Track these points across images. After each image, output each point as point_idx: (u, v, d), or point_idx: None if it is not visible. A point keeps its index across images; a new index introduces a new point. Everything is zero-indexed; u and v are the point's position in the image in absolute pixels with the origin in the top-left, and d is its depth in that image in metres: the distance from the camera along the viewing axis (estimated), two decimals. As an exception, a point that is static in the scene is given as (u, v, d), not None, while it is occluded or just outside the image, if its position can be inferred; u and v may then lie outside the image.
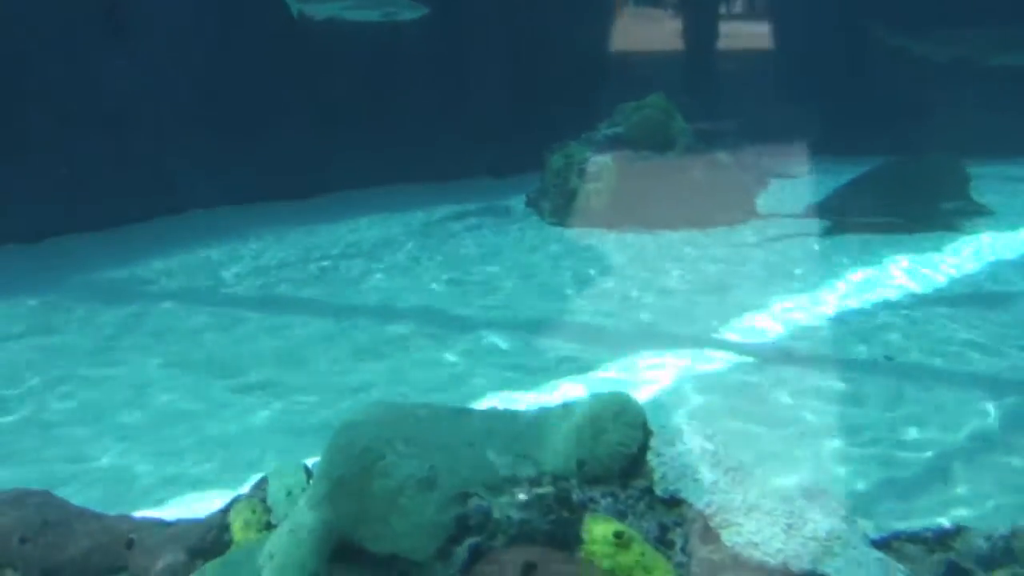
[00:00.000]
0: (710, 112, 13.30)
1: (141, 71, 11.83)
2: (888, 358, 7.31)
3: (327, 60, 13.00)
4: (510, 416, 3.56)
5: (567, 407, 3.56)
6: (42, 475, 5.69)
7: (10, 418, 6.63)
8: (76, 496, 4.75)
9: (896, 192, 11.37)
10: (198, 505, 5.08)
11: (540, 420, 3.50)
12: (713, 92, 14.79)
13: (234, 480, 5.32)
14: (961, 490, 5.40)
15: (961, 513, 5.09)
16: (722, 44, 15.59)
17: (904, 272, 9.49)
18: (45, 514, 3.83)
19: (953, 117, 13.40)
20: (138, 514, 4.12)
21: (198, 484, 5.60)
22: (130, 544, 3.76)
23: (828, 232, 10.87)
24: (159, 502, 5.33)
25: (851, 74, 14.91)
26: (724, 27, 15.76)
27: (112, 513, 4.00)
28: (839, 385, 6.82)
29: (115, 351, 7.86)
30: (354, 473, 3.18)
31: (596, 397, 3.60)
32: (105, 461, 5.99)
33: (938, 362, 7.30)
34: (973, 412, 6.39)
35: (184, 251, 10.78)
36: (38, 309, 8.89)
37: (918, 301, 8.67)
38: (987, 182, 12.38)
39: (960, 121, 13.31)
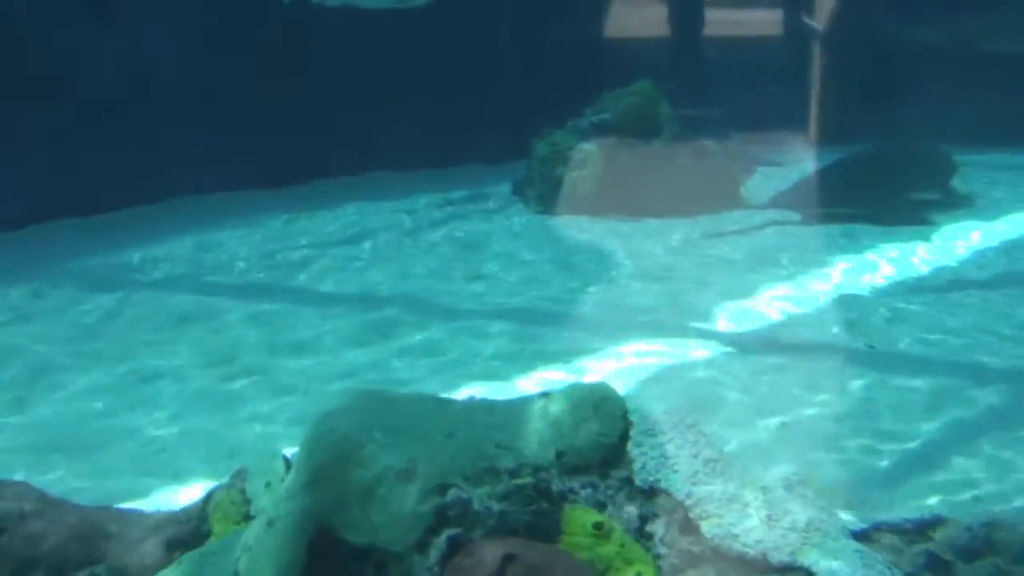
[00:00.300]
0: (697, 99, 13.28)
1: (132, 56, 11.77)
2: (870, 347, 7.32)
3: (321, 47, 12.95)
4: (489, 406, 3.55)
5: (546, 397, 3.55)
6: (21, 464, 5.66)
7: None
8: (56, 485, 4.74)
9: (865, 182, 11.21)
10: (178, 495, 5.07)
11: (519, 410, 3.49)
12: (701, 79, 14.77)
13: (214, 470, 5.31)
14: (942, 480, 5.40)
15: (942, 504, 5.09)
16: (710, 30, 15.53)
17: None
18: (22, 505, 3.80)
19: (947, 104, 13.36)
20: (117, 505, 4.10)
21: (179, 474, 5.56)
22: (109, 536, 3.74)
23: (797, 223, 10.79)
24: (139, 493, 5.29)
25: (843, 59, 14.89)
26: (712, 13, 15.68)
27: (91, 504, 3.98)
28: (818, 373, 6.83)
29: (100, 339, 7.80)
30: (332, 462, 3.17)
31: (576, 387, 3.59)
32: (86, 450, 5.94)
33: (910, 349, 7.34)
34: (937, 401, 6.43)
35: (175, 238, 10.70)
36: (22, 297, 8.83)
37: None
38: (977, 171, 12.37)
39: (955, 108, 13.26)
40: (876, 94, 14.12)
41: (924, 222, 10.73)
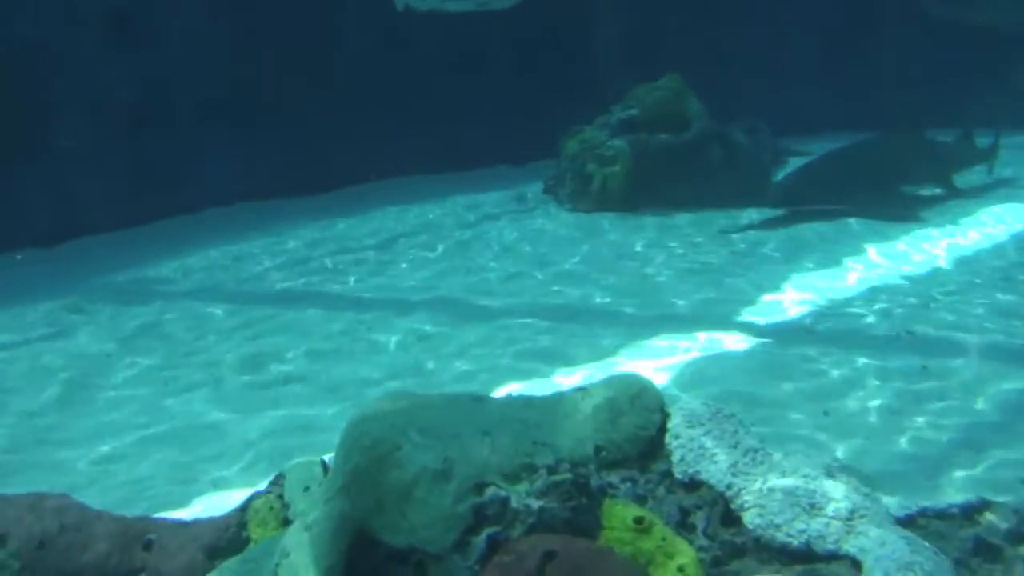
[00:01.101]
0: (726, 91, 13.18)
1: (155, 73, 11.86)
2: (909, 332, 7.24)
3: (342, 53, 13.00)
4: (525, 402, 3.51)
5: (582, 391, 3.51)
6: (63, 477, 5.69)
7: (32, 422, 6.62)
8: (97, 499, 4.75)
9: (854, 175, 10.94)
10: (216, 502, 5.07)
11: (556, 405, 3.45)
12: (730, 71, 14.65)
13: (254, 476, 5.32)
14: (987, 463, 5.33)
15: (988, 488, 5.01)
16: (740, 21, 15.40)
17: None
18: (63, 518, 3.80)
19: (997, 86, 13.11)
20: (156, 515, 4.10)
21: (218, 482, 5.57)
22: (148, 545, 3.73)
23: (810, 215, 10.65)
24: (177, 502, 5.30)
25: (878, 46, 14.76)
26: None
27: (130, 515, 3.98)
28: (856, 361, 6.78)
29: (136, 352, 7.84)
30: (369, 465, 3.14)
31: (612, 380, 3.55)
32: (126, 463, 5.96)
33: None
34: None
35: (201, 250, 10.80)
36: (58, 312, 8.90)
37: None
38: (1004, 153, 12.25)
39: (999, 92, 13.00)
40: (921, 78, 13.87)
41: (906, 219, 10.47)
